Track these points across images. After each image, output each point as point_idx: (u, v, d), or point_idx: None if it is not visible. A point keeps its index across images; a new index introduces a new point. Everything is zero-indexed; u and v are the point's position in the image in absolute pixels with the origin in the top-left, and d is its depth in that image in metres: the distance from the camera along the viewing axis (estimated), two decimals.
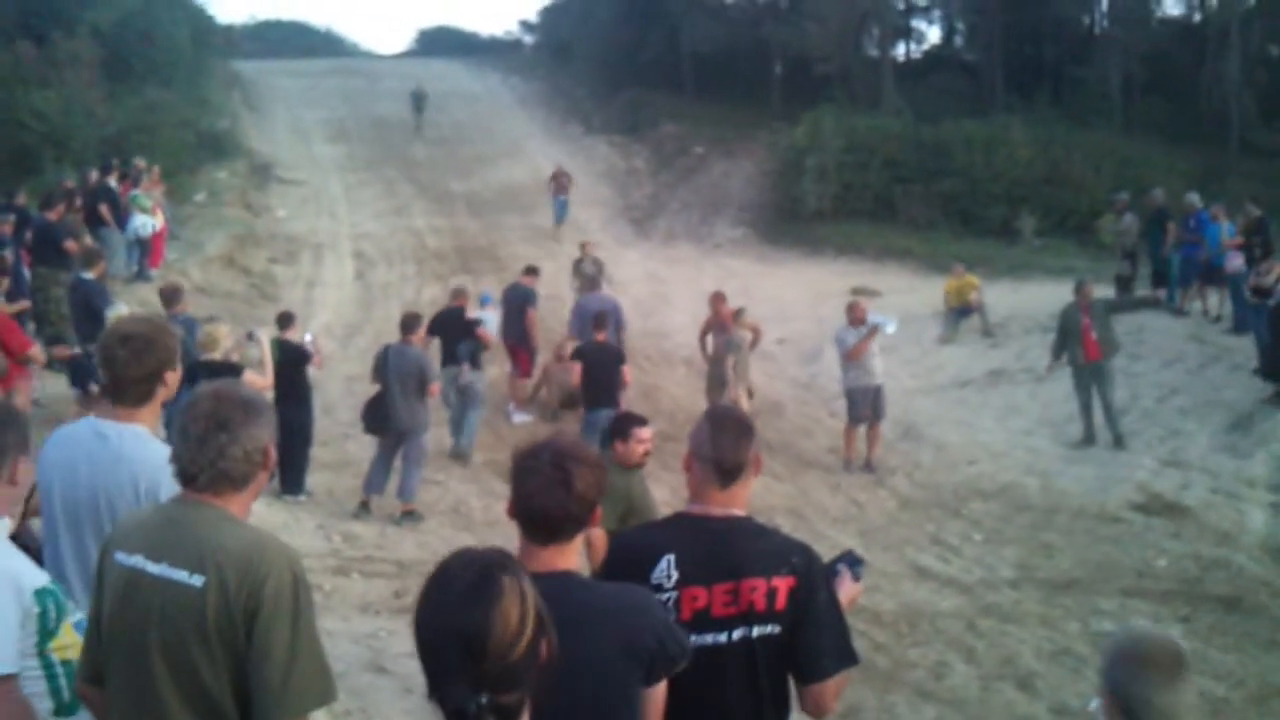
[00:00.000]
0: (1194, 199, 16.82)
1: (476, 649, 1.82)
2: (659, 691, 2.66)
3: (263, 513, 9.22)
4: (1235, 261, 15.12)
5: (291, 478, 10.37)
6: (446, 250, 23.18)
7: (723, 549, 2.87)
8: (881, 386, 12.47)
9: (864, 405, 12.34)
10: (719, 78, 35.15)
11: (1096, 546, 10.13)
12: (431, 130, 32.48)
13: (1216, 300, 16.11)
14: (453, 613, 1.86)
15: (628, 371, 11.38)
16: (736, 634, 2.83)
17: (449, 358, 12.51)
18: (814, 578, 2.89)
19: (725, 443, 2.97)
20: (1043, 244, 24.18)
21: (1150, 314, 16.65)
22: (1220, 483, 11.43)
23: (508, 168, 29.50)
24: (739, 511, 2.98)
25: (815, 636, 2.88)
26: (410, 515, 10.31)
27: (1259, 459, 11.83)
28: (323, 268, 21.44)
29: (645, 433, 6.38)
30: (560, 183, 25.04)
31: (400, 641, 7.40)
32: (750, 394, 12.88)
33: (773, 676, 2.88)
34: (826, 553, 3.20)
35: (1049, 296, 16.83)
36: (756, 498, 11.59)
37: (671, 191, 29.14)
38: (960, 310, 17.32)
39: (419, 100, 32.61)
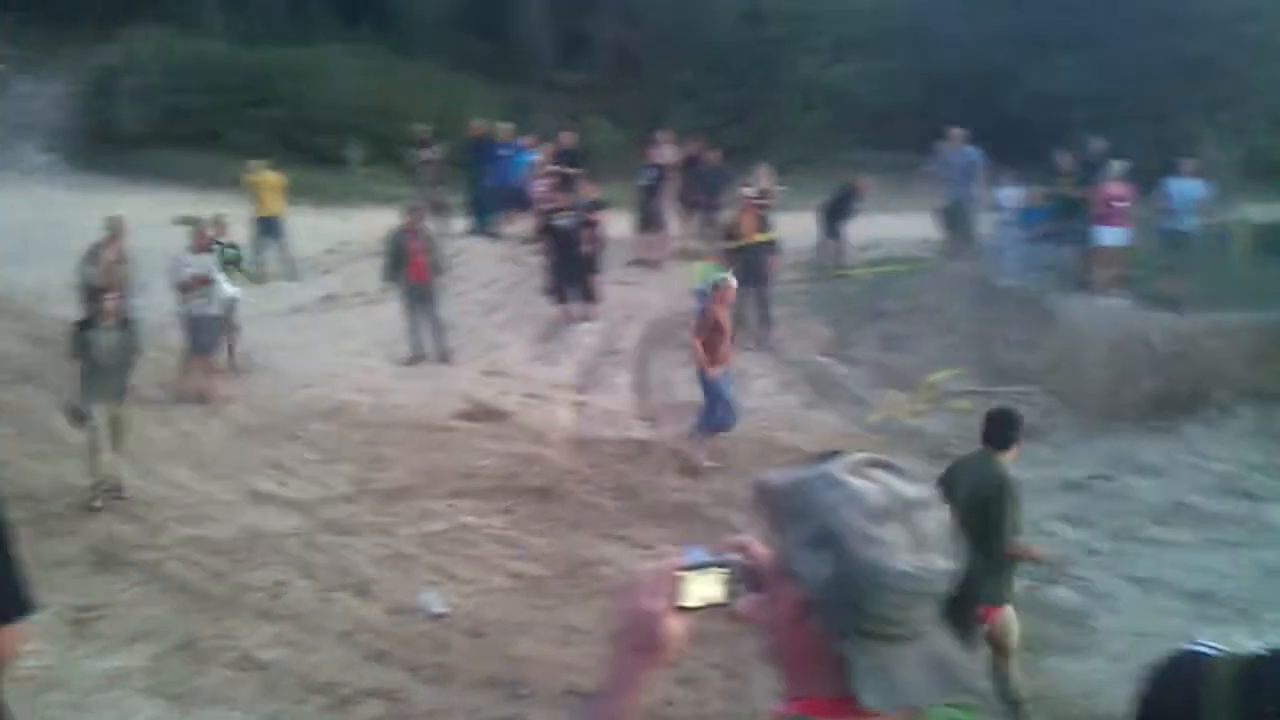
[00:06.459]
0: (506, 128, 18.13)
1: None
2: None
3: None
4: (539, 187, 16.60)
5: None
6: None
7: None
8: (221, 316, 12.10)
9: (204, 332, 11.91)
10: None
11: (427, 454, 10.72)
12: None
13: (528, 223, 17.55)
14: None
15: None
16: None
17: None
18: None
19: None
20: (370, 173, 24.63)
21: (470, 238, 17.75)
22: (534, 387, 12.63)
23: None
24: None
25: None
26: None
27: (565, 365, 13.22)
28: None
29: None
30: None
31: None
32: None
33: None
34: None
35: (379, 223, 17.25)
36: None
37: None
38: (266, 222, 16.64)
39: None
